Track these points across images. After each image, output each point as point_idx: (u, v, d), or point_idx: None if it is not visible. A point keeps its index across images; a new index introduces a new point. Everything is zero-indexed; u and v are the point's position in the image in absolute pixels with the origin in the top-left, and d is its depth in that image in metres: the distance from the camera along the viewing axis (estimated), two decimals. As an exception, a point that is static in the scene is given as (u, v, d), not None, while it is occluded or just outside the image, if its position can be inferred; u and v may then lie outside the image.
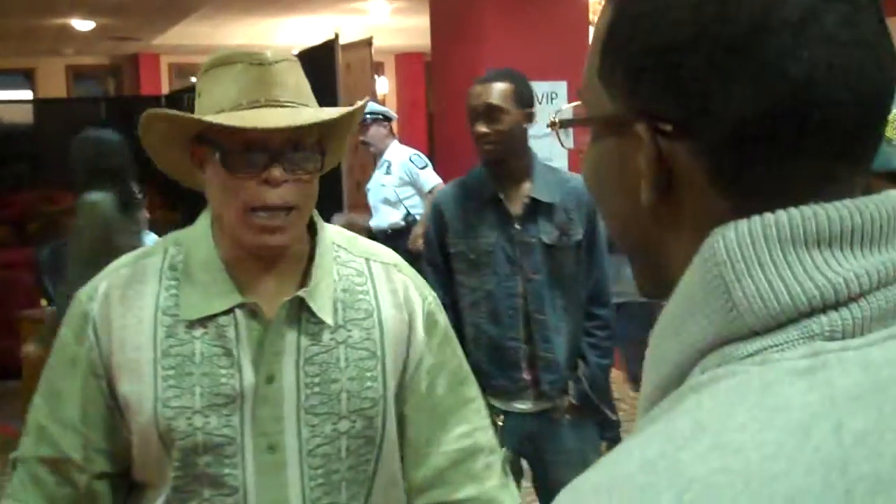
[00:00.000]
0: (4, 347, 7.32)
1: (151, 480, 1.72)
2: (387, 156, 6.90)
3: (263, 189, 1.61)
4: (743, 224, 0.68)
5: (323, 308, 1.69)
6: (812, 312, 0.66)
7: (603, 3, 0.80)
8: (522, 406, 3.31)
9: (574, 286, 3.29)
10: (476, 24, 6.62)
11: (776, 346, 0.66)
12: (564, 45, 6.27)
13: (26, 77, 16.21)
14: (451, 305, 3.28)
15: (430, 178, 6.71)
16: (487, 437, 1.84)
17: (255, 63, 1.62)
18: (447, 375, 1.81)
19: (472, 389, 1.86)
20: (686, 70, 0.70)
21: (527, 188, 3.27)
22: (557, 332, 3.27)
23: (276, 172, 1.60)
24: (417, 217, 6.74)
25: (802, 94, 0.67)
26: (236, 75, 1.62)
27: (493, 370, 3.28)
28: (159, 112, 1.64)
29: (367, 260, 1.80)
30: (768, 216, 0.68)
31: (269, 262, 1.71)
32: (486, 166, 3.31)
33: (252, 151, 1.60)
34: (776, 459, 0.59)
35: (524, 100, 3.27)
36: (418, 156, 6.88)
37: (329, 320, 1.69)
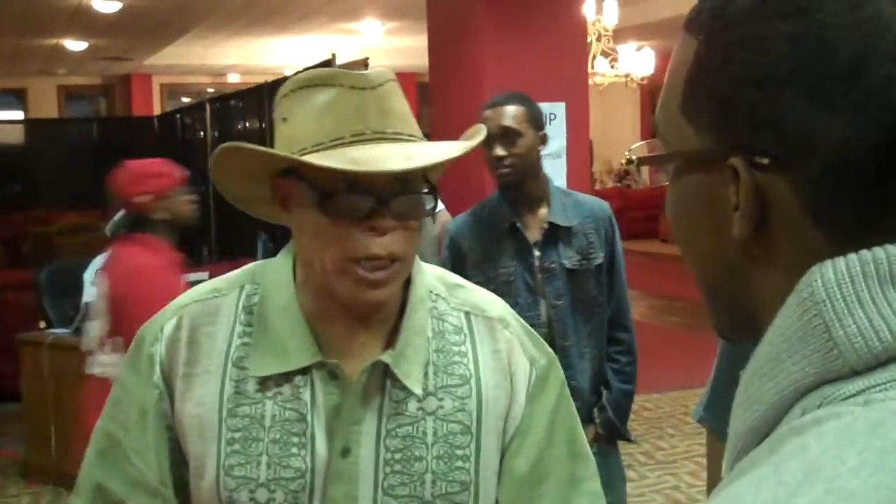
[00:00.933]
0: (3, 371, 7.28)
1: None
2: None
3: (367, 237, 1.36)
4: (840, 262, 0.67)
5: (410, 374, 1.44)
6: None
7: (681, 36, 0.78)
8: None
9: (596, 310, 3.24)
10: (474, 45, 6.63)
11: (879, 385, 0.65)
12: (563, 67, 6.29)
13: (18, 97, 16.21)
14: None
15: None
16: None
17: (356, 87, 1.38)
18: (554, 452, 1.52)
19: (587, 469, 1.57)
20: (785, 104, 0.69)
21: (543, 213, 3.21)
22: (581, 357, 3.21)
23: (386, 221, 1.36)
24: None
25: None
26: (334, 102, 1.38)
27: None
28: (243, 147, 1.38)
29: (468, 314, 1.53)
30: (865, 254, 0.67)
31: (362, 319, 1.46)
32: (503, 191, 3.26)
33: (355, 193, 1.35)
34: (891, 503, 0.59)
35: (538, 122, 3.23)
36: None
37: (417, 390, 1.44)
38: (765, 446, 0.67)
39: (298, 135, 1.38)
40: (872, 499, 0.59)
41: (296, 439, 1.42)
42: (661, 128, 0.80)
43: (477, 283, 3.18)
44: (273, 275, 1.49)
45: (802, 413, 0.67)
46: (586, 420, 3.23)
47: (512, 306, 3.19)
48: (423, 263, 1.54)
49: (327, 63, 6.63)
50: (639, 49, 11.08)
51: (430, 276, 1.55)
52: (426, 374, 1.45)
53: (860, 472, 0.60)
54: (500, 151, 3.16)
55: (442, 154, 1.38)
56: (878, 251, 0.67)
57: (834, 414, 0.64)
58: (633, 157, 0.85)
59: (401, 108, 1.41)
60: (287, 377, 1.43)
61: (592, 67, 9.94)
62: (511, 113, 3.19)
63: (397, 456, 1.42)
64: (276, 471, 1.41)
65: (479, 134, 1.48)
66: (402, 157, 1.34)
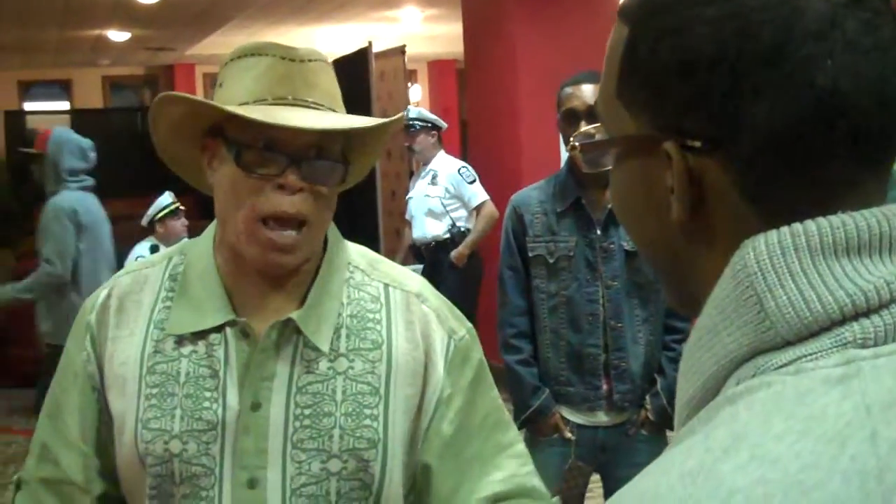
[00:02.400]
0: (27, 357, 7.38)
1: None
2: (433, 165, 6.81)
3: (277, 195, 1.45)
4: (773, 235, 0.69)
5: (318, 333, 1.51)
6: (844, 320, 0.66)
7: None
8: (597, 418, 3.25)
9: (653, 296, 3.21)
10: (508, 30, 6.63)
11: (809, 355, 0.66)
12: (596, 50, 6.25)
13: (63, 88, 16.38)
14: (528, 310, 3.26)
15: (479, 194, 6.61)
16: (532, 482, 1.61)
17: (286, 58, 1.48)
18: (478, 418, 1.59)
19: (509, 434, 1.63)
20: (712, 86, 0.70)
21: (608, 194, 3.20)
22: (634, 342, 3.20)
23: (294, 177, 1.45)
24: (462, 229, 6.68)
25: (829, 103, 0.68)
26: (264, 69, 1.48)
27: (572, 377, 3.22)
28: (175, 95, 1.51)
29: (387, 286, 1.60)
30: (797, 226, 0.68)
31: (274, 281, 1.54)
32: (578, 171, 3.20)
33: (271, 151, 1.45)
34: (814, 469, 0.60)
35: None
36: (467, 169, 6.75)
37: (324, 347, 1.51)
38: (702, 415, 0.69)
39: (228, 97, 1.49)
40: (796, 464, 0.61)
41: (208, 394, 1.51)
42: (600, 113, 0.82)
43: (537, 255, 3.24)
44: (198, 243, 1.61)
45: (737, 383, 0.68)
46: (637, 404, 3.23)
47: (571, 281, 3.21)
48: (344, 241, 1.63)
49: (364, 51, 6.66)
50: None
51: (353, 251, 1.64)
52: (339, 336, 1.53)
53: (785, 439, 0.62)
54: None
55: (352, 123, 1.49)
56: (809, 223, 0.68)
57: (765, 383, 0.66)
58: (576, 143, 0.87)
59: (327, 84, 1.52)
60: (202, 336, 1.53)
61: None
62: (595, 91, 3.14)
63: (307, 411, 1.50)
64: (188, 423, 1.50)
65: (398, 117, 1.60)
66: (316, 120, 1.44)
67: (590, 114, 3.10)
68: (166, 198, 6.41)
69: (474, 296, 6.55)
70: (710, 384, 0.71)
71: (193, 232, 6.31)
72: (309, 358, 1.52)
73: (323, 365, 1.52)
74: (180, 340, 1.53)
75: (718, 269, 0.72)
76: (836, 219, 0.68)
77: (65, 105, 16.06)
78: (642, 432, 3.25)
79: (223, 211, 1.51)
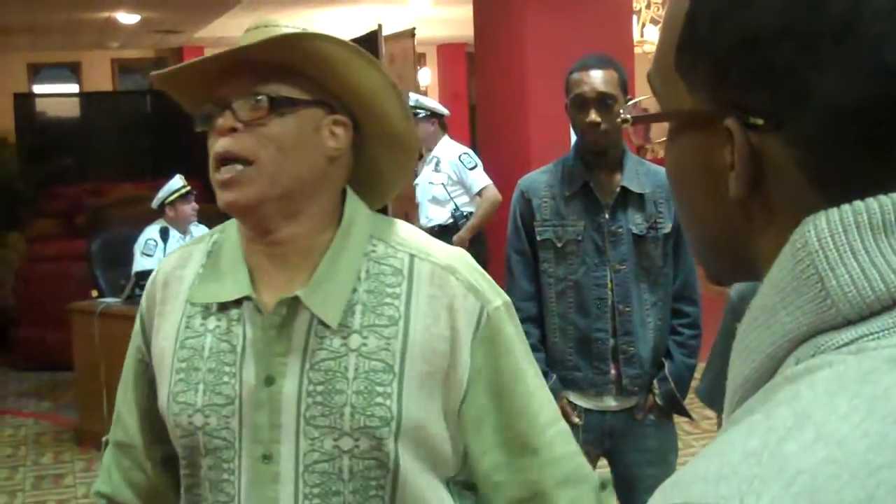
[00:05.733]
0: (56, 339, 7.41)
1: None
2: (436, 152, 6.79)
3: (217, 140, 1.50)
4: (834, 213, 0.68)
5: (325, 308, 1.50)
6: None
7: None
8: (604, 403, 3.24)
9: (661, 280, 3.22)
10: (518, 14, 6.61)
11: (871, 334, 0.66)
12: (608, 35, 6.25)
13: (72, 71, 16.37)
14: (536, 295, 3.25)
15: (480, 179, 6.60)
16: (579, 462, 1.61)
17: (260, 26, 1.54)
18: (515, 397, 1.56)
19: (548, 411, 1.61)
20: (777, 62, 0.69)
21: (617, 178, 3.18)
22: (643, 326, 3.20)
23: (222, 120, 1.48)
24: (466, 213, 6.67)
25: None
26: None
27: (580, 362, 3.22)
28: (156, 77, 1.56)
29: (413, 257, 1.55)
30: (858, 204, 0.67)
31: (272, 252, 1.54)
32: (586, 155, 3.21)
33: (212, 103, 1.51)
34: (880, 449, 0.60)
35: (626, 87, 3.15)
36: (468, 155, 6.73)
37: (333, 323, 1.50)
38: (760, 395, 0.68)
39: None
40: (861, 445, 0.60)
41: (227, 368, 1.54)
42: (656, 85, 0.80)
43: (545, 239, 3.23)
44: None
45: (797, 363, 0.67)
46: (645, 389, 3.23)
47: (579, 265, 3.21)
48: (367, 211, 1.60)
49: (373, 34, 6.63)
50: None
51: (378, 221, 1.60)
52: (353, 312, 1.51)
53: (850, 419, 0.61)
54: (595, 117, 3.09)
55: (248, 40, 1.49)
56: (871, 202, 0.67)
57: (826, 363, 0.65)
58: (628, 116, 0.85)
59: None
60: (225, 310, 1.56)
61: (642, 35, 9.85)
62: (606, 78, 3.11)
63: (319, 388, 1.50)
64: (209, 397, 1.54)
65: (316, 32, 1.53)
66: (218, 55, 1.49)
67: (600, 100, 3.09)
68: (177, 181, 6.40)
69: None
70: (766, 364, 0.70)
71: (203, 215, 6.32)
72: (322, 334, 1.51)
73: (336, 342, 1.51)
74: (206, 316, 1.57)
75: (776, 246, 0.71)
76: None
77: (74, 88, 16.04)
78: (650, 417, 3.25)
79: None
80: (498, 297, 1.57)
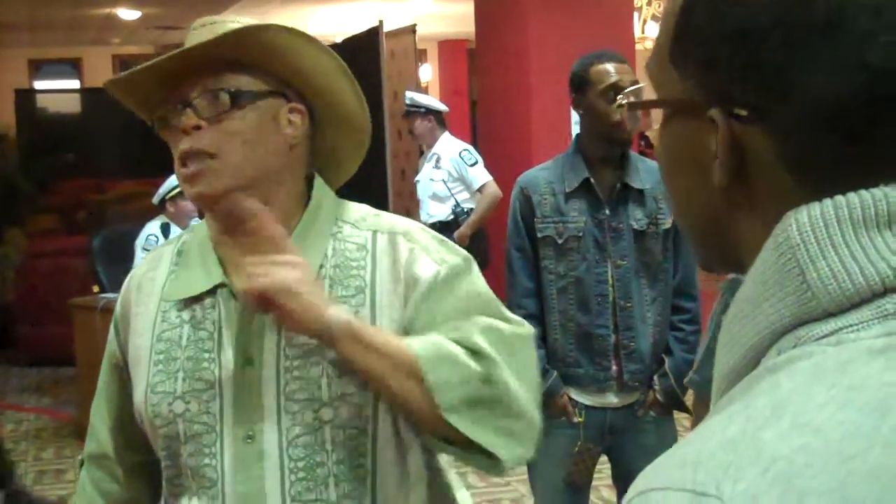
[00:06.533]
0: (58, 334, 7.42)
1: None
2: (436, 149, 6.79)
3: (181, 140, 1.55)
4: (815, 206, 0.70)
5: None
6: (885, 292, 0.67)
7: None
8: (605, 399, 3.24)
9: (661, 276, 3.22)
10: (520, 10, 6.61)
11: (851, 326, 0.67)
12: (609, 31, 6.26)
13: (73, 67, 16.38)
14: (536, 292, 3.26)
15: (480, 176, 6.59)
16: (475, 339, 1.54)
17: (206, 24, 1.60)
18: (458, 305, 1.57)
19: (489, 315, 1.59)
20: (764, 55, 0.71)
21: (618, 174, 3.19)
22: (643, 321, 3.20)
23: (183, 118, 1.53)
24: (466, 209, 6.67)
25: (879, 80, 0.69)
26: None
27: (581, 358, 3.21)
28: (110, 84, 1.63)
29: (375, 233, 1.62)
30: (839, 198, 0.69)
31: (243, 243, 1.55)
32: (583, 148, 3.20)
33: (174, 104, 1.56)
34: (855, 438, 0.61)
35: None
36: (468, 151, 6.73)
37: None
38: (742, 384, 0.70)
39: None
40: (836, 433, 0.61)
41: (206, 354, 1.58)
42: (653, 74, 0.83)
43: (545, 236, 3.22)
44: (205, 220, 1.67)
45: (778, 353, 0.69)
46: (646, 385, 3.23)
47: (580, 262, 3.20)
48: (334, 198, 1.67)
49: (374, 30, 6.64)
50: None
51: (347, 207, 1.66)
52: (322, 287, 1.55)
53: (826, 408, 0.62)
54: None
55: (196, 39, 1.54)
56: (852, 196, 0.69)
57: (806, 353, 0.67)
58: (625, 101, 0.87)
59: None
60: (199, 301, 1.60)
61: (643, 32, 9.86)
62: (628, 69, 3.13)
63: (296, 363, 1.54)
64: (189, 384, 1.58)
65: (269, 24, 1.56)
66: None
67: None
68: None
69: (480, 276, 6.50)
70: (750, 355, 0.72)
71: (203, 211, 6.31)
72: None
73: None
74: (182, 308, 1.61)
75: (758, 236, 0.73)
76: (878, 192, 0.69)
77: (75, 84, 16.05)
78: (651, 413, 3.25)
79: None
80: (457, 256, 1.62)
